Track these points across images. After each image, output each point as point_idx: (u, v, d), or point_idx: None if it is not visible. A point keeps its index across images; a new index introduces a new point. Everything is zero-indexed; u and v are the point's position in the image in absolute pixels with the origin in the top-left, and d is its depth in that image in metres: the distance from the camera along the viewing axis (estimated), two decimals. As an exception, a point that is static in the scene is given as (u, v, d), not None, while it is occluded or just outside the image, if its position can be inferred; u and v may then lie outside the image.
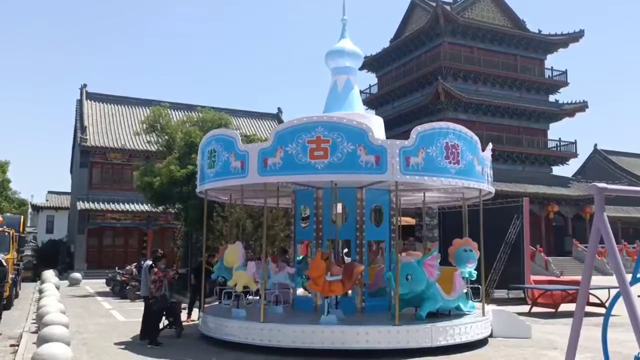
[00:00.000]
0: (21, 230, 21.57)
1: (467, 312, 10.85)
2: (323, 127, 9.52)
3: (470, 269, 11.42)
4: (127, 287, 19.83)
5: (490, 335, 10.92)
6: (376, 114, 42.50)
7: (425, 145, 9.59)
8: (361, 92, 42.50)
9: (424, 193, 12.70)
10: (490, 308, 11.89)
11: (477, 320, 10.34)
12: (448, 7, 42.01)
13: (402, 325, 9.20)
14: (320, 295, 10.40)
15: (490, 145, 11.81)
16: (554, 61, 46.70)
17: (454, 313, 10.70)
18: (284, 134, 9.87)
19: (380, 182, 10.57)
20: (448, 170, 9.75)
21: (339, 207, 11.64)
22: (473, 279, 11.67)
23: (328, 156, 9.36)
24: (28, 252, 35.11)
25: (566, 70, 45.72)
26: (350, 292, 11.47)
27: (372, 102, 48.55)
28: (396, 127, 41.46)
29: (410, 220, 23.60)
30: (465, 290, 10.99)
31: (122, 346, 10.32)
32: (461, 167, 9.92)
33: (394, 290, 9.63)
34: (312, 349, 9.12)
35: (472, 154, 10.31)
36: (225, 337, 10.13)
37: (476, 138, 10.58)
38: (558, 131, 49.11)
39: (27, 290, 22.54)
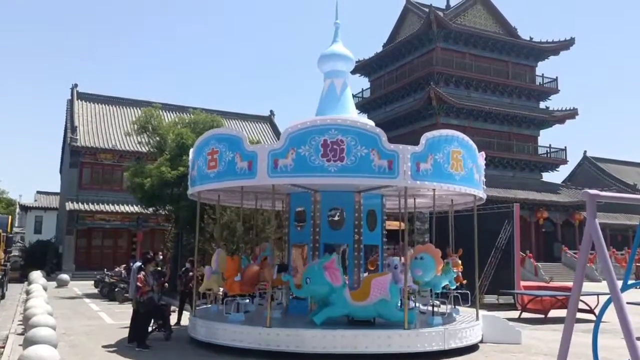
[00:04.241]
0: (9, 230, 21.39)
1: (394, 323, 9.77)
2: (214, 140, 10.42)
3: (418, 277, 10.48)
4: (116, 289, 19.68)
5: (481, 341, 10.93)
6: (368, 117, 42.16)
7: (296, 145, 9.39)
8: (354, 96, 42.58)
9: (414, 197, 12.59)
10: (481, 313, 11.90)
11: (379, 334, 9.29)
12: (441, 13, 42.28)
13: (273, 328, 9.45)
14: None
15: (431, 136, 9.90)
16: (544, 68, 47.19)
17: (380, 322, 9.94)
18: (196, 149, 11.00)
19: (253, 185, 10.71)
20: (326, 169, 9.30)
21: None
22: (442, 291, 11.40)
23: (217, 166, 10.19)
24: (15, 253, 34.77)
25: (557, 77, 46.15)
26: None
27: (364, 106, 48.70)
28: (388, 131, 41.31)
29: (399, 225, 23.57)
30: (388, 298, 9.70)
31: (110, 349, 10.22)
32: (347, 163, 9.30)
33: (294, 293, 9.96)
34: (217, 345, 9.89)
35: (368, 147, 9.36)
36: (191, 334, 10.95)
37: (378, 130, 9.66)
38: (548, 138, 49.83)
39: (14, 291, 22.28)
